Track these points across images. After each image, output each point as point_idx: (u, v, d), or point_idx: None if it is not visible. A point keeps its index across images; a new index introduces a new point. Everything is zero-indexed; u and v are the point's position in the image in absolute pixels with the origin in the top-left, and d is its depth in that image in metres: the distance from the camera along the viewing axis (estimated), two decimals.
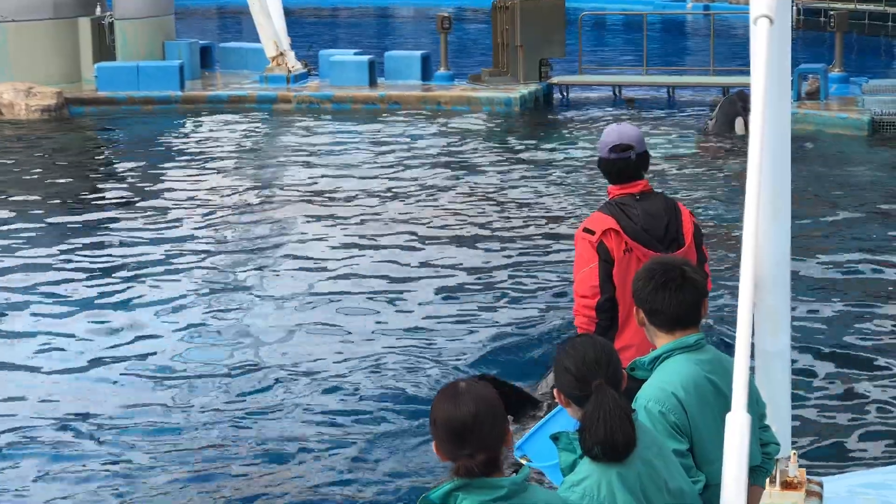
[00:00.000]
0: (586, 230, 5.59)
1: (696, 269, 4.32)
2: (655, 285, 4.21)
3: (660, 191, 6.09)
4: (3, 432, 8.15)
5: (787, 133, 5.01)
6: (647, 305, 4.24)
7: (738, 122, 18.64)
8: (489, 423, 3.35)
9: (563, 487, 3.69)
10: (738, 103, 18.83)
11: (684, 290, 4.20)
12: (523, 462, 4.82)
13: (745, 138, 18.16)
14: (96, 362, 9.47)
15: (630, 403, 3.77)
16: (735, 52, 25.77)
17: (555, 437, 3.78)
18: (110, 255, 12.51)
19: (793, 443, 4.97)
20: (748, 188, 3.43)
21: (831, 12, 23.46)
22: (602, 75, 24.07)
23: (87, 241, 13.04)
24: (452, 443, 3.33)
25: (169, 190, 15.50)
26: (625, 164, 5.62)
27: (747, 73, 4.37)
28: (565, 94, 22.74)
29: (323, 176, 16.17)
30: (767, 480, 3.89)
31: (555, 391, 3.86)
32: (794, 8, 32.28)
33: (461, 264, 11.98)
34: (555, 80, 22.66)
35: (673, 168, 16.52)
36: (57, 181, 16.36)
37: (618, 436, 3.59)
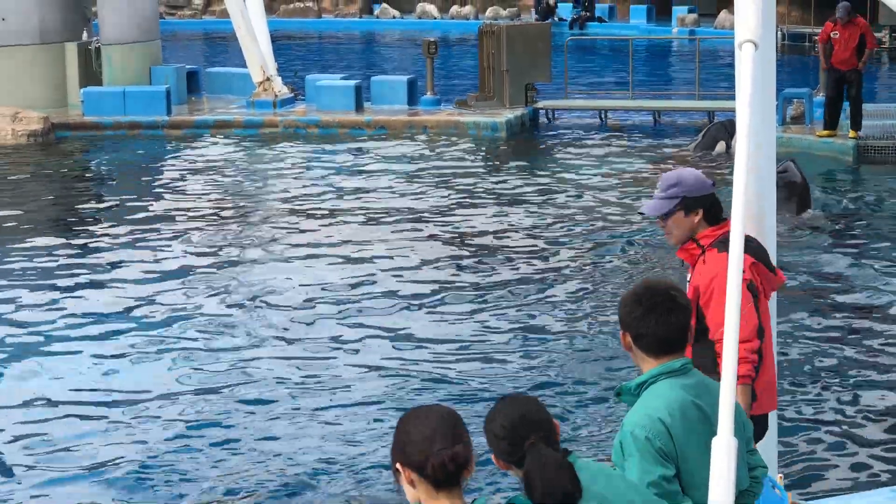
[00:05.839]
0: None
1: (683, 293, 4.31)
2: (644, 309, 4.19)
3: None
4: None
5: (773, 156, 5.04)
6: (634, 330, 4.22)
7: (720, 144, 18.92)
8: (457, 430, 3.39)
9: None
10: (725, 128, 19.05)
11: (672, 315, 4.19)
12: None
13: (722, 157, 18.43)
14: (85, 388, 9.46)
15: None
16: (721, 76, 25.88)
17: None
18: (98, 281, 12.49)
19: (779, 465, 4.97)
20: (734, 209, 3.44)
21: (815, 37, 23.57)
22: (588, 99, 24.12)
23: (73, 265, 13.00)
24: (425, 443, 3.36)
25: (155, 215, 15.46)
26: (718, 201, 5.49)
27: (733, 97, 4.40)
28: (551, 118, 22.80)
29: (309, 201, 16.16)
30: None
31: (493, 458, 3.82)
32: (779, 33, 32.46)
33: (451, 286, 11.97)
34: (541, 104, 22.71)
35: (639, 175, 16.71)
36: (42, 206, 16.32)
37: (557, 492, 3.60)
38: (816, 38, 18.70)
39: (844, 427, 8.53)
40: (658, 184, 5.44)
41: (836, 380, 9.40)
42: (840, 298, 11.55)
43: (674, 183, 5.33)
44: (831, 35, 18.19)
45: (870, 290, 11.77)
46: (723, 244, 5.25)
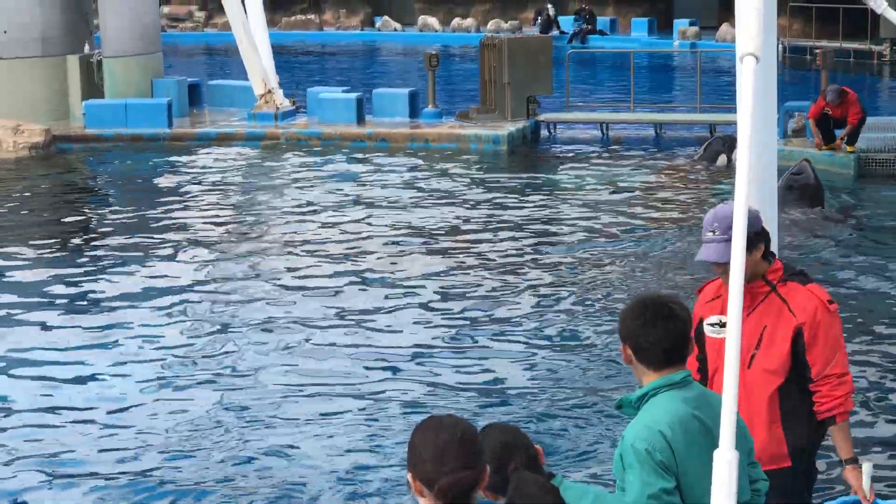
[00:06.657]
0: (832, 302, 5.13)
1: (682, 305, 4.31)
2: (644, 321, 4.19)
3: None
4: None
5: (774, 170, 5.04)
6: (634, 342, 4.23)
7: (722, 157, 19.01)
8: (472, 448, 3.35)
9: None
10: (727, 142, 19.14)
11: (672, 325, 4.19)
12: None
13: (723, 171, 18.51)
14: (83, 395, 9.47)
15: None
16: (722, 89, 25.90)
17: None
18: (97, 293, 12.49)
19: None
20: (735, 224, 3.44)
21: (817, 50, 23.58)
22: (589, 112, 24.13)
23: (74, 279, 13.01)
24: (434, 462, 3.32)
25: (156, 227, 15.47)
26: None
27: (734, 110, 4.41)
28: (553, 131, 22.81)
29: (310, 214, 16.17)
30: None
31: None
32: (780, 46, 32.46)
33: (450, 298, 11.97)
34: (542, 117, 22.72)
35: (641, 188, 17.03)
36: (43, 219, 16.33)
37: None
38: (808, 113, 18.83)
39: (853, 434, 8.49)
40: (710, 225, 4.97)
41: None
42: (847, 297, 11.55)
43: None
44: (825, 111, 18.31)
45: (879, 290, 11.86)
46: (800, 276, 5.17)
